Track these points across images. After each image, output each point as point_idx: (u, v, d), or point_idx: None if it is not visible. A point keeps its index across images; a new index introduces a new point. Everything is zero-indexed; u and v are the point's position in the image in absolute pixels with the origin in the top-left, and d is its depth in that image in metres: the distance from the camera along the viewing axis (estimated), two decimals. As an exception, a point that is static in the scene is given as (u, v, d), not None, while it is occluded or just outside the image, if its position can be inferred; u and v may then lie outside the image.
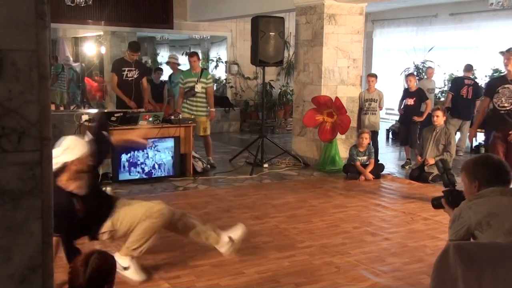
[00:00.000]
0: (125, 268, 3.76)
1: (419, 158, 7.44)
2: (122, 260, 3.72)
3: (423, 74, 10.20)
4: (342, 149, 8.15)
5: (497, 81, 6.49)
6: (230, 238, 4.05)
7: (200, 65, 8.27)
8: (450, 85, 10.22)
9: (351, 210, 5.71)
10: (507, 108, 6.07)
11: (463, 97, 9.24)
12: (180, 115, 7.42)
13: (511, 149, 6.03)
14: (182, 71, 8.29)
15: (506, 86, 6.12)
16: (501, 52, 6.22)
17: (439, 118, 7.24)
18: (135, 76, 7.68)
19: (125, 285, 3.70)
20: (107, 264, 2.12)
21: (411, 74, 8.93)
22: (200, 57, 15.49)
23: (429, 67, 10.31)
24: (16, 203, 1.51)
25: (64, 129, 9.71)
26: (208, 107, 8.00)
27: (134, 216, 3.75)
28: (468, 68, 9.48)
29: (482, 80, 10.52)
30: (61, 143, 3.48)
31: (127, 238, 3.79)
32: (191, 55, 8.06)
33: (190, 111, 7.81)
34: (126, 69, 7.65)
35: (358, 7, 8.30)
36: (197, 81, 7.82)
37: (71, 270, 2.11)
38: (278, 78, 13.11)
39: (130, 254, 3.78)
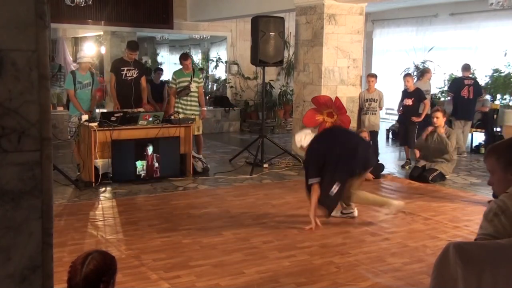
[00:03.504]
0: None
1: (417, 151, 7.48)
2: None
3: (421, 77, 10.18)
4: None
5: None
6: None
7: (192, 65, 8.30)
8: (449, 85, 10.19)
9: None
10: None
11: (464, 97, 9.23)
12: (180, 115, 7.43)
13: None
14: (174, 71, 8.28)
15: None
16: None
17: (439, 120, 7.24)
18: (135, 76, 7.68)
19: (125, 284, 3.71)
20: (104, 265, 2.12)
21: (408, 75, 8.92)
22: (200, 57, 15.63)
23: (425, 68, 10.28)
24: (16, 203, 1.51)
25: (64, 129, 9.76)
26: (200, 107, 8.04)
27: None
28: (466, 67, 9.47)
29: (482, 80, 10.52)
30: None
31: None
32: (186, 58, 7.99)
33: (185, 111, 7.81)
34: (125, 68, 7.64)
35: (358, 7, 8.30)
36: (191, 80, 7.84)
37: (70, 268, 2.11)
38: (278, 78, 13.11)
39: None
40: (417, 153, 7.58)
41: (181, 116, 7.47)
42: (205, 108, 8.33)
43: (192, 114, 7.78)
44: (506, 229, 2.11)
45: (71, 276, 2.09)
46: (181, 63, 8.01)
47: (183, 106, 7.84)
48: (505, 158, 2.22)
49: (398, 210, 5.47)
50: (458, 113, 9.29)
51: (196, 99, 7.93)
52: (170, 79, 8.12)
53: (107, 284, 2.10)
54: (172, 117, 7.34)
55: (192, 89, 7.82)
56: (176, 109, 7.80)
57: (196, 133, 7.92)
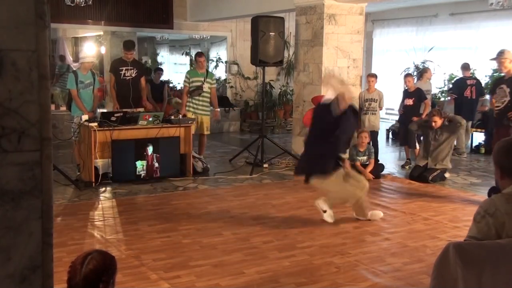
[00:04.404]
0: (324, 211, 5.32)
1: (417, 150, 7.50)
2: (322, 204, 5.33)
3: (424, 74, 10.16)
4: (342, 149, 8.14)
5: (497, 81, 6.63)
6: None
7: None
8: (451, 86, 10.17)
9: (351, 210, 5.70)
10: (500, 107, 6.15)
11: (468, 98, 9.22)
12: (180, 116, 7.43)
13: None
14: (188, 70, 8.33)
15: (502, 86, 6.24)
16: (493, 59, 6.34)
17: (437, 124, 7.27)
18: (133, 75, 7.67)
19: (125, 284, 3.71)
20: (104, 264, 2.12)
21: (409, 75, 8.92)
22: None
23: (427, 68, 10.27)
24: (16, 203, 1.51)
25: (64, 129, 9.76)
26: (212, 108, 8.10)
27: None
28: (466, 66, 9.45)
29: (481, 80, 10.50)
30: None
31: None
32: (200, 55, 8.11)
33: (196, 110, 7.85)
34: (124, 68, 7.64)
35: (358, 7, 8.30)
36: (204, 80, 7.87)
37: (70, 268, 2.11)
38: (278, 78, 13.11)
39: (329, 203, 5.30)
40: (417, 151, 7.57)
41: (180, 116, 7.47)
42: (218, 109, 8.45)
43: (203, 114, 7.85)
44: (490, 230, 2.16)
45: (71, 276, 2.09)
46: (195, 60, 8.13)
47: (195, 106, 7.88)
48: (498, 161, 2.30)
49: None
50: (462, 114, 9.25)
51: (208, 99, 7.98)
52: (184, 78, 8.16)
53: (106, 284, 2.10)
54: (172, 116, 7.35)
55: (204, 89, 7.86)
56: (187, 108, 7.85)
57: (205, 132, 7.98)
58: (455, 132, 7.34)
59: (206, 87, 7.89)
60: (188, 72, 8.18)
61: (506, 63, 6.05)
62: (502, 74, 6.76)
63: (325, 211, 5.35)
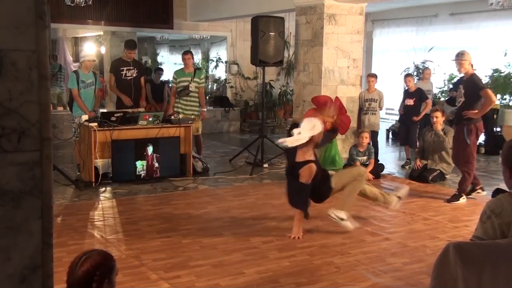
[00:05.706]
0: (342, 219, 4.89)
1: (418, 162, 7.44)
2: (339, 213, 4.89)
3: (421, 75, 10.16)
4: (342, 149, 8.15)
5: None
6: (398, 197, 5.31)
7: (193, 65, 8.25)
8: (451, 87, 10.16)
9: (351, 210, 5.70)
10: (457, 107, 6.26)
11: None
12: (180, 115, 7.43)
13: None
14: (176, 70, 8.28)
15: (460, 86, 6.37)
16: (453, 60, 6.37)
17: (439, 119, 7.25)
18: (134, 75, 7.66)
19: (125, 284, 3.71)
20: (98, 264, 2.13)
21: (409, 75, 8.92)
22: (200, 56, 15.61)
23: (426, 68, 10.26)
24: (16, 203, 1.51)
25: (64, 129, 9.76)
26: (200, 107, 8.03)
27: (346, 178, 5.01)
28: None
29: (482, 80, 10.48)
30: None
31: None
32: (185, 53, 8.04)
33: (184, 111, 7.79)
34: (125, 68, 7.63)
35: (358, 7, 8.31)
36: (191, 80, 7.83)
37: (69, 269, 2.12)
38: (278, 78, 13.11)
39: (346, 209, 4.91)
40: (417, 162, 7.51)
41: (180, 116, 7.46)
42: (205, 109, 8.31)
43: (192, 114, 7.77)
44: (495, 232, 2.15)
45: (69, 276, 2.11)
46: (182, 59, 8.04)
47: (183, 106, 7.82)
48: (506, 161, 2.26)
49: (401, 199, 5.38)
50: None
51: (196, 99, 7.90)
52: (171, 79, 8.10)
53: (99, 284, 2.10)
54: (172, 117, 7.34)
55: (191, 89, 7.80)
56: (175, 109, 7.79)
57: (195, 133, 7.92)
58: (441, 150, 7.33)
59: (193, 86, 7.82)
60: (175, 72, 8.08)
61: (465, 65, 6.13)
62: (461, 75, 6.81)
63: (342, 219, 4.89)
